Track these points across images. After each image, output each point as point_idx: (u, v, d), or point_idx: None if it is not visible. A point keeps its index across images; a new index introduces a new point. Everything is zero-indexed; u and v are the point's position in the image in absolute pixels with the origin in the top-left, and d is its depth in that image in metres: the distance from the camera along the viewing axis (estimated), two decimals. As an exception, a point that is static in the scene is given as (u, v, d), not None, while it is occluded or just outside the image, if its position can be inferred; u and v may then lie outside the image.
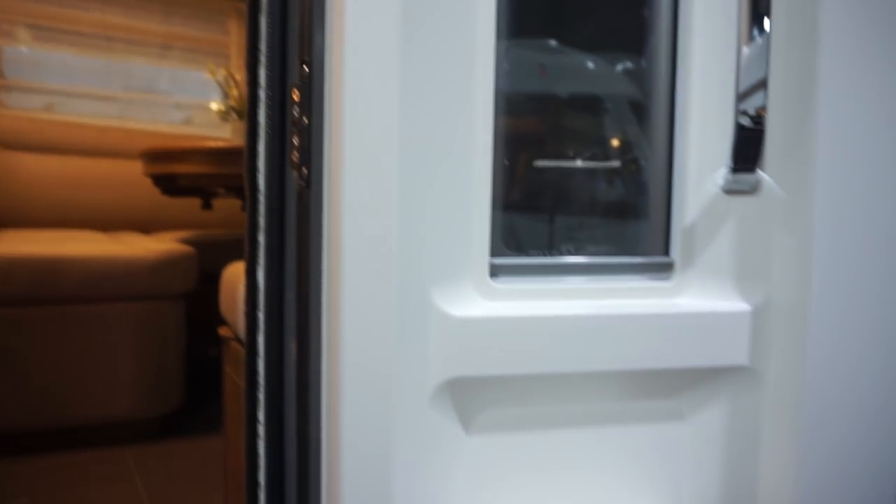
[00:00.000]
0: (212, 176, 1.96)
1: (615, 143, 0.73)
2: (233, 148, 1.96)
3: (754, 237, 0.68)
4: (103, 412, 1.89)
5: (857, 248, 0.65)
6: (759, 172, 0.67)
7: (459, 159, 0.64)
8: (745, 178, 0.67)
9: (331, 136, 0.61)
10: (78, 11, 2.97)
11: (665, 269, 0.71)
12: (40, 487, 1.64)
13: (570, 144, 0.72)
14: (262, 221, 0.74)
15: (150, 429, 1.96)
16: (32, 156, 2.60)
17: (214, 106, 2.86)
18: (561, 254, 0.71)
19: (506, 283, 0.68)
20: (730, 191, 0.69)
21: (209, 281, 1.79)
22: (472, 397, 0.67)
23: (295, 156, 0.68)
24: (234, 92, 2.63)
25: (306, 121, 0.66)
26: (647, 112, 0.72)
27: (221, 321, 1.32)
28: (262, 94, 0.72)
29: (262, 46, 0.71)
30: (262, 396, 0.76)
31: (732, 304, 0.68)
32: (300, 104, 0.66)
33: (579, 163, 0.72)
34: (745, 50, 0.64)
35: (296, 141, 0.67)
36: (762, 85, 0.64)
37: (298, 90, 0.66)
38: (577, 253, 0.72)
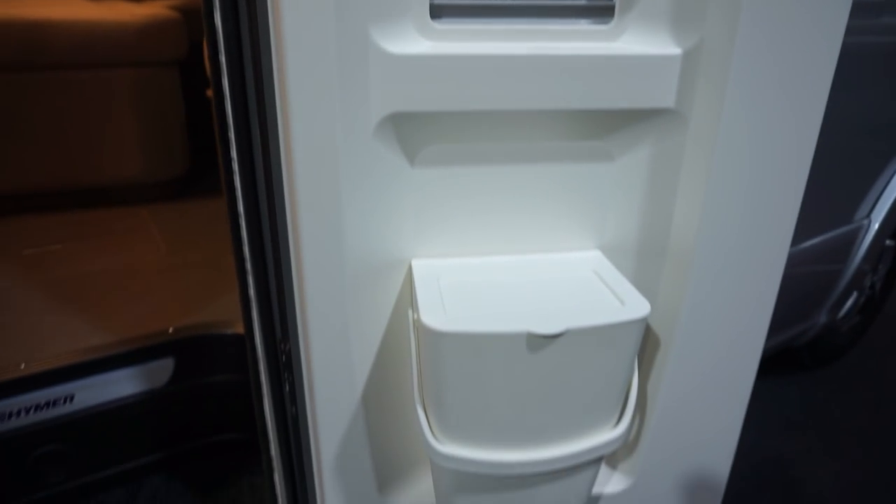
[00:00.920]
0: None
1: None
2: None
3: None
4: (115, 174, 2.02)
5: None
6: None
7: None
8: None
9: None
10: None
11: (605, 12, 0.73)
12: (70, 237, 1.83)
13: None
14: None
15: (160, 191, 2.11)
16: None
17: None
18: (504, -5, 0.72)
19: (447, 24, 0.70)
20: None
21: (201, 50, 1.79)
22: (415, 132, 0.73)
23: None
24: None
25: None
26: None
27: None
28: None
29: None
30: (232, 137, 0.83)
31: (665, 48, 0.71)
32: None
33: None
34: None
35: None
36: None
37: None
38: (520, -6, 0.72)
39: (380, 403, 0.84)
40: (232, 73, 0.77)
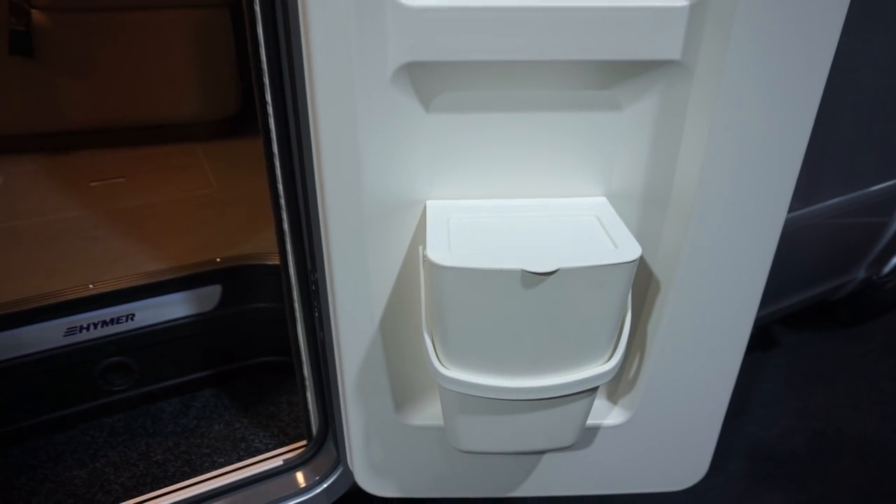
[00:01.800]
0: None
1: None
2: None
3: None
4: (171, 113, 2.14)
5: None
6: None
7: None
8: None
9: None
10: None
11: (616, -36, 0.74)
12: (132, 171, 1.97)
13: None
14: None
15: (213, 129, 2.22)
16: None
17: None
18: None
19: (460, -23, 0.73)
20: None
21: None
22: (430, 81, 0.78)
23: None
24: None
25: None
26: None
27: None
28: None
29: None
30: (267, 82, 0.90)
31: (672, 0, 0.73)
32: None
33: None
34: None
35: None
36: None
37: None
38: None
39: (396, 332, 0.93)
40: (265, 22, 0.83)
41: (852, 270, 1.88)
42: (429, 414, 1.00)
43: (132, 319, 1.30)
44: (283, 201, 0.98)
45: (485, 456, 1.03)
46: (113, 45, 2.01)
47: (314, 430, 1.19)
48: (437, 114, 0.81)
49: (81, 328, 1.27)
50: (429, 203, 0.86)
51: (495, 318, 0.76)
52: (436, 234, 0.78)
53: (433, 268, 0.74)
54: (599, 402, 1.02)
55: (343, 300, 0.88)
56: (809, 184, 1.46)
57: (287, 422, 1.35)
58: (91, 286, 1.29)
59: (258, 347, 1.46)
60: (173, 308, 1.34)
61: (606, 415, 1.00)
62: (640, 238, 0.88)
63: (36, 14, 1.91)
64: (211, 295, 1.36)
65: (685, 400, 0.98)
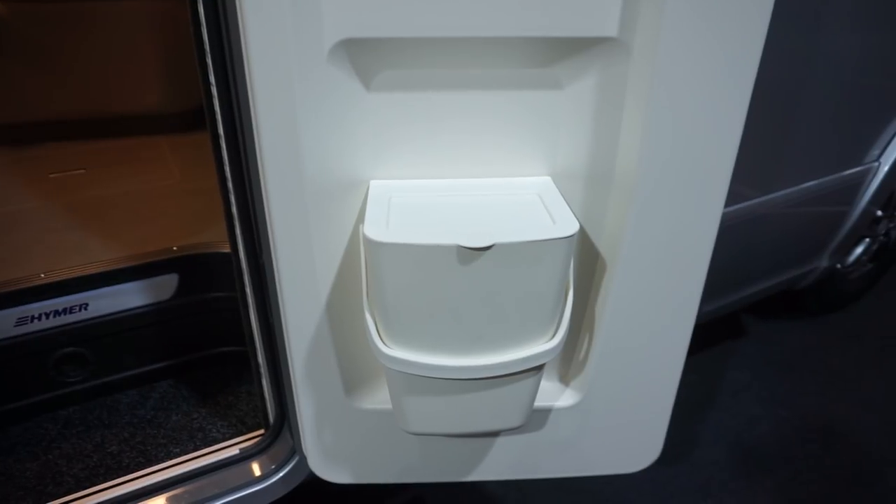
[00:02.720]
0: None
1: None
2: None
3: None
4: (135, 105, 2.11)
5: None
6: None
7: None
8: None
9: None
10: None
11: (552, -62, 0.74)
12: (93, 163, 1.94)
13: None
14: None
15: (178, 122, 2.20)
16: None
17: None
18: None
19: (395, -49, 0.73)
20: None
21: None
22: (369, 59, 0.77)
23: None
24: None
25: None
26: None
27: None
28: None
29: None
30: (209, 62, 0.88)
31: (609, -26, 0.73)
32: None
33: None
34: None
35: None
36: None
37: None
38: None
39: (343, 314, 0.92)
40: (205, 1, 0.82)
41: (815, 259, 1.90)
42: (379, 398, 0.99)
43: (85, 309, 1.28)
44: (230, 184, 0.97)
45: (439, 440, 1.02)
46: (76, 36, 1.98)
47: (271, 418, 1.18)
48: (379, 93, 0.80)
49: (33, 318, 1.25)
50: (372, 183, 0.85)
51: (435, 296, 0.75)
52: (375, 212, 0.78)
53: (370, 244, 0.73)
54: (551, 384, 1.02)
55: (289, 283, 0.88)
56: (771, 172, 1.48)
57: (246, 411, 1.34)
58: (42, 275, 1.27)
59: (217, 337, 1.44)
60: (128, 297, 1.32)
61: (558, 397, 1.00)
62: (586, 217, 0.88)
63: (-6, 3, 1.88)
64: (167, 284, 1.35)
65: (635, 380, 0.98)
